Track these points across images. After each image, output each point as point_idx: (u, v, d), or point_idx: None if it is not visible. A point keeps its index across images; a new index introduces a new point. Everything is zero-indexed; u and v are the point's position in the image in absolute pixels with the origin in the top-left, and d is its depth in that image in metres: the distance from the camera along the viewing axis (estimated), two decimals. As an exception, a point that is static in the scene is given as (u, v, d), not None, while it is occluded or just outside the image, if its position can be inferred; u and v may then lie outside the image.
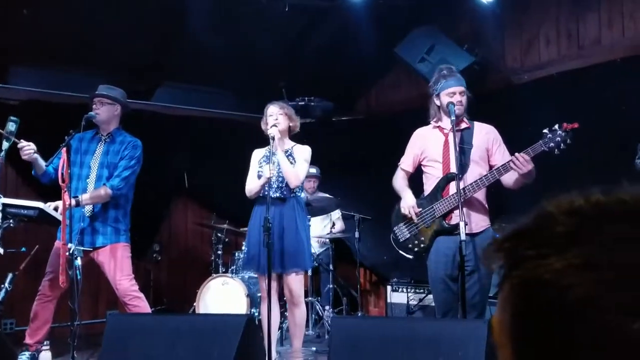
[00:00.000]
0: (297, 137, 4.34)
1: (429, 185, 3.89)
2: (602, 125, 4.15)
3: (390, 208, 5.66)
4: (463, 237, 3.48)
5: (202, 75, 5.86)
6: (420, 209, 3.86)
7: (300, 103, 6.00)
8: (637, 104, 4.08)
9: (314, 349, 4.76)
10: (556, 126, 3.44)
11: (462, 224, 3.50)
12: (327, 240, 5.64)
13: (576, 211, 0.47)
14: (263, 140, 4.25)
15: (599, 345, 0.42)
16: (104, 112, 4.28)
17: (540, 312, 0.45)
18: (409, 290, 5.18)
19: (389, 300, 5.27)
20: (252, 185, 4.20)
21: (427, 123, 4.06)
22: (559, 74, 4.83)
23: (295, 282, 4.08)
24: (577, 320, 0.43)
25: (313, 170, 5.52)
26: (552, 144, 3.44)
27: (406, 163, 4.02)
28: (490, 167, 3.75)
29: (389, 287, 5.32)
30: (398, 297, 5.22)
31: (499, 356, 0.53)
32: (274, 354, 3.98)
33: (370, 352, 3.02)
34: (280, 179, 4.15)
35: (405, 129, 5.56)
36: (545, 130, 3.47)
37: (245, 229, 4.49)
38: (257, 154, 4.31)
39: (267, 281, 3.90)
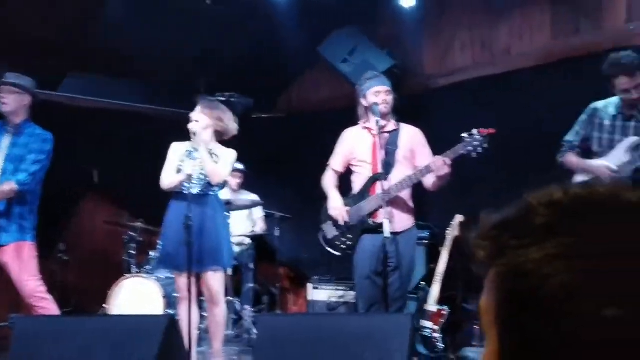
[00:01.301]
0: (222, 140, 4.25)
1: (357, 185, 3.98)
2: (515, 129, 4.39)
3: (311, 207, 5.70)
4: (388, 234, 3.57)
5: (116, 65, 5.61)
6: (348, 208, 3.93)
7: (220, 99, 5.89)
8: (545, 110, 4.36)
9: (237, 348, 4.69)
10: (474, 131, 3.61)
11: (386, 222, 3.60)
12: (248, 238, 5.58)
13: (555, 203, 0.49)
14: (179, 135, 4.16)
15: (575, 332, 0.44)
16: (12, 103, 4.02)
17: (522, 299, 0.47)
18: (330, 287, 5.22)
19: (309, 298, 5.29)
20: (169, 178, 4.08)
21: (350, 123, 4.16)
22: (473, 79, 5.06)
23: (215, 280, 4.00)
24: (555, 308, 0.45)
25: (240, 166, 5.44)
26: (470, 148, 3.60)
27: (336, 163, 4.09)
28: (415, 168, 3.87)
29: (310, 285, 5.34)
30: (319, 294, 5.25)
31: (487, 338, 0.56)
32: (194, 356, 3.89)
33: (297, 349, 3.01)
34: (202, 176, 4.07)
35: (327, 128, 5.63)
36: (464, 135, 3.64)
37: (158, 229, 4.36)
38: (177, 148, 4.20)
39: (187, 280, 3.81)
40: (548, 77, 4.56)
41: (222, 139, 4.13)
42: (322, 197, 4.30)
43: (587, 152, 3.74)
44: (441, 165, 3.59)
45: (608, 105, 3.62)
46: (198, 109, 4.09)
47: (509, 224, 0.52)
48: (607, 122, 3.60)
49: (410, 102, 4.11)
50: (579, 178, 3.71)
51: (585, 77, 4.33)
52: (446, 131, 4.09)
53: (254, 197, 5.66)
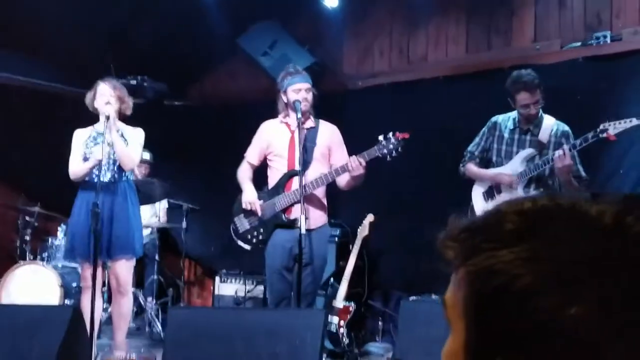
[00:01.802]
0: (125, 118, 4.10)
1: (272, 179, 3.97)
2: (428, 134, 4.57)
3: (220, 199, 5.63)
4: (303, 230, 3.60)
5: (22, 40, 5.24)
6: (262, 202, 3.92)
7: (131, 82, 5.67)
8: (455, 118, 4.58)
9: (145, 342, 4.54)
10: (390, 134, 3.72)
11: (302, 218, 3.63)
12: (152, 229, 5.41)
13: (524, 212, 0.54)
14: (87, 117, 3.96)
15: (540, 327, 0.49)
16: None
17: (492, 296, 0.52)
18: (238, 281, 5.18)
19: (216, 292, 5.22)
20: (78, 168, 3.88)
21: (265, 116, 4.16)
22: (389, 84, 5.21)
23: (124, 269, 3.86)
24: (523, 304, 0.49)
25: (146, 156, 5.25)
26: (385, 151, 3.71)
27: (251, 156, 4.06)
28: (331, 166, 3.93)
29: (217, 279, 5.27)
30: (226, 288, 5.20)
31: (451, 330, 0.59)
32: (94, 348, 3.72)
33: (209, 343, 2.97)
34: (111, 162, 3.90)
35: (241, 120, 5.60)
36: (380, 137, 3.74)
37: (57, 214, 4.14)
38: (81, 135, 4.00)
39: (92, 270, 3.64)
40: (460, 87, 4.79)
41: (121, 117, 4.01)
42: (232, 190, 4.27)
43: (487, 162, 3.97)
44: (357, 165, 3.67)
45: (507, 119, 3.87)
46: (109, 90, 3.92)
47: (480, 229, 0.56)
48: (505, 135, 3.85)
49: (328, 101, 4.16)
50: (477, 186, 3.95)
51: (494, 91, 4.59)
52: (361, 131, 4.21)
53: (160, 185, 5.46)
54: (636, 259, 0.48)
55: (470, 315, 0.55)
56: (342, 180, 3.89)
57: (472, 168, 3.99)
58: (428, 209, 4.83)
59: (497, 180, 3.83)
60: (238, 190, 4.13)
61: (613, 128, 3.33)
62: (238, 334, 3.00)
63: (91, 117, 4.04)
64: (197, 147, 6.02)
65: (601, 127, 3.37)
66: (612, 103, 4.12)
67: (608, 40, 4.29)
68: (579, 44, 4.42)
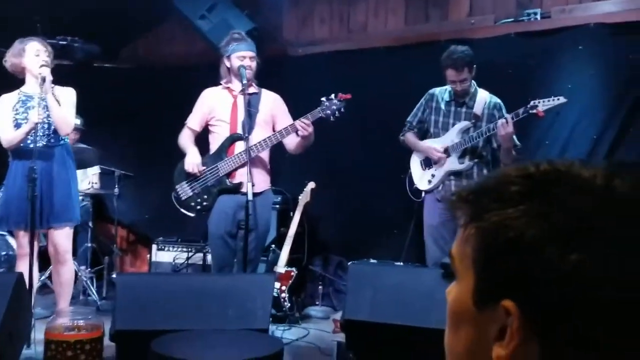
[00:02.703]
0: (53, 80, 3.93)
1: (214, 145, 3.95)
2: (368, 104, 4.67)
3: (153, 165, 5.52)
4: (250, 197, 3.63)
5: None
6: (205, 167, 3.90)
7: (61, 42, 5.40)
8: (396, 89, 4.70)
9: (93, 307, 4.45)
10: (332, 95, 3.80)
11: (249, 185, 3.65)
12: (86, 196, 5.24)
13: (528, 175, 0.62)
14: (11, 80, 3.77)
15: (544, 272, 0.57)
16: None
17: (501, 248, 0.60)
18: (175, 249, 5.14)
19: (154, 259, 5.15)
20: (10, 135, 3.70)
21: (203, 79, 4.12)
22: (330, 52, 5.25)
23: (63, 237, 3.75)
24: (529, 254, 0.58)
25: (77, 121, 5.04)
26: (328, 112, 3.78)
27: (193, 122, 4.01)
28: (274, 132, 3.95)
29: (154, 246, 5.20)
30: (163, 255, 5.14)
31: (457, 279, 0.67)
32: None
33: (158, 308, 2.97)
34: (46, 126, 3.75)
35: (175, 85, 5.47)
36: (323, 99, 3.81)
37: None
38: (7, 100, 3.80)
39: (29, 237, 3.52)
40: (400, 58, 4.90)
41: None
42: (166, 156, 4.22)
43: (425, 132, 4.14)
44: (304, 126, 3.72)
45: (444, 91, 4.03)
46: (43, 49, 3.74)
47: (487, 190, 0.64)
48: (442, 107, 4.02)
49: (267, 67, 4.15)
50: (415, 155, 4.12)
51: (431, 62, 4.74)
52: (302, 98, 4.25)
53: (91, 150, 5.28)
54: (622, 215, 0.57)
55: (480, 265, 0.62)
56: (292, 143, 3.93)
57: (410, 138, 4.15)
58: (367, 177, 4.99)
59: (427, 153, 4.01)
60: (172, 156, 4.08)
61: (542, 105, 3.56)
62: (190, 299, 3.02)
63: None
64: (129, 112, 5.83)
65: (531, 103, 3.59)
66: (541, 78, 4.37)
67: (538, 17, 4.51)
68: (511, 19, 4.63)
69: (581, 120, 4.19)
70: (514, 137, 3.80)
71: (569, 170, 0.61)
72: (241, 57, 3.88)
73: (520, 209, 0.59)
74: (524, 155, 3.81)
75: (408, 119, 4.18)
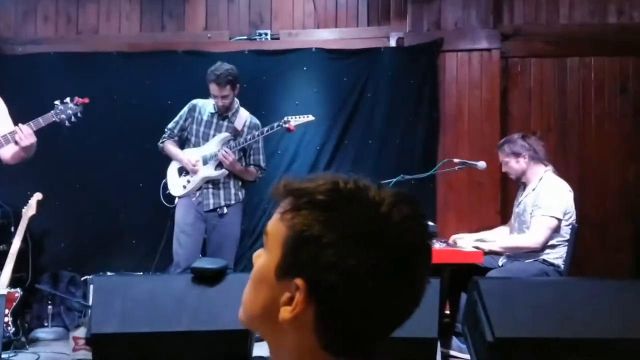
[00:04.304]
0: None
1: None
2: (103, 108, 4.48)
3: None
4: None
5: None
6: None
7: None
8: (134, 95, 4.61)
9: None
10: (67, 99, 3.57)
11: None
12: None
13: (334, 189, 0.82)
14: None
15: (327, 266, 0.77)
16: None
17: (302, 241, 0.79)
18: None
19: None
20: None
21: None
22: (56, 53, 4.88)
23: None
24: (319, 250, 0.78)
25: None
26: (63, 116, 3.53)
27: None
28: None
29: None
30: None
31: (267, 251, 0.84)
32: None
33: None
34: None
35: None
36: (57, 102, 3.55)
37: None
38: None
39: None
40: (137, 64, 4.81)
41: None
42: None
43: (184, 140, 4.16)
44: (24, 134, 3.39)
45: (208, 104, 4.11)
46: None
47: (306, 192, 0.82)
48: (205, 118, 4.08)
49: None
50: (175, 162, 4.11)
51: (169, 70, 4.78)
52: (26, 100, 3.91)
53: None
54: (390, 237, 0.78)
55: (287, 248, 0.80)
56: (8, 153, 3.54)
57: (169, 146, 4.11)
58: (102, 188, 4.76)
59: (183, 164, 4.03)
60: None
61: (294, 120, 3.93)
62: None
63: None
64: None
65: (285, 119, 3.93)
66: (272, 93, 4.77)
67: (269, 37, 4.92)
68: (245, 37, 4.94)
69: (307, 132, 4.68)
70: (261, 157, 4.11)
71: (367, 192, 0.81)
72: None
73: (324, 215, 0.78)
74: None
75: (169, 126, 4.12)
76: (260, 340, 3.50)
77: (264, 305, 0.83)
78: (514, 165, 3.77)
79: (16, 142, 3.37)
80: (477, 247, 3.67)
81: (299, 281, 0.77)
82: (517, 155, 3.75)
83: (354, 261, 0.75)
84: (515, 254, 3.71)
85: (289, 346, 0.82)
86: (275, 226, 0.82)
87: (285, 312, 0.79)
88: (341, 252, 0.76)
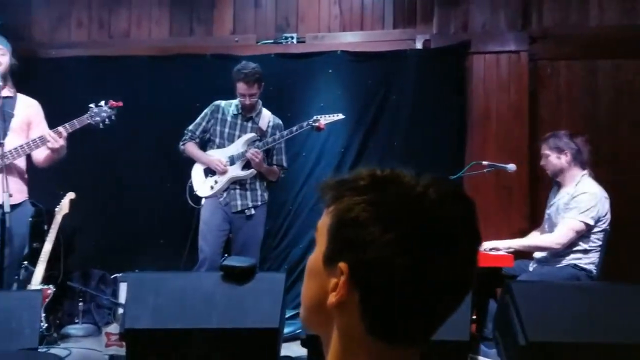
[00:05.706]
0: None
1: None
2: (133, 111, 4.56)
3: None
4: (7, 208, 3.30)
5: None
6: None
7: None
8: (163, 97, 4.70)
9: None
10: (102, 102, 3.66)
11: (5, 196, 3.31)
12: None
13: (373, 175, 0.85)
14: None
15: (369, 242, 0.80)
16: None
17: (347, 223, 0.82)
18: None
19: None
20: None
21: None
22: (89, 57, 5.00)
23: None
24: (362, 229, 0.81)
25: None
26: (98, 118, 3.63)
27: None
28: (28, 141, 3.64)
29: None
30: None
31: (316, 247, 0.87)
32: None
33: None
34: None
35: None
36: (92, 105, 3.65)
37: None
38: None
39: None
40: (166, 68, 4.91)
41: None
42: None
43: (207, 142, 4.21)
44: (54, 137, 3.49)
45: (230, 105, 4.16)
46: None
47: (346, 182, 0.86)
48: (229, 119, 4.13)
49: (18, 65, 3.81)
50: (197, 166, 4.16)
51: (197, 74, 4.85)
52: (59, 103, 4.01)
53: None
54: (426, 214, 0.80)
55: (330, 235, 0.84)
56: (41, 156, 3.66)
57: (191, 148, 4.14)
58: (131, 188, 4.86)
59: (210, 165, 4.06)
60: None
61: (324, 119, 3.99)
62: None
63: None
64: None
65: (315, 117, 3.99)
66: (298, 95, 4.83)
67: (295, 41, 4.98)
68: (271, 41, 5.00)
69: (331, 134, 4.71)
70: (284, 157, 4.15)
71: (400, 178, 0.84)
72: None
73: (362, 198, 0.81)
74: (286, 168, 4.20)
75: (189, 128, 4.16)
76: (287, 340, 3.55)
77: (315, 296, 0.85)
78: (554, 160, 3.68)
79: (49, 146, 3.49)
80: (495, 247, 3.62)
81: (342, 265, 0.80)
82: (560, 150, 3.67)
83: (392, 238, 0.77)
84: (546, 258, 3.67)
85: (336, 335, 0.82)
86: (323, 220, 0.86)
87: (331, 298, 0.80)
88: (378, 231, 0.78)
